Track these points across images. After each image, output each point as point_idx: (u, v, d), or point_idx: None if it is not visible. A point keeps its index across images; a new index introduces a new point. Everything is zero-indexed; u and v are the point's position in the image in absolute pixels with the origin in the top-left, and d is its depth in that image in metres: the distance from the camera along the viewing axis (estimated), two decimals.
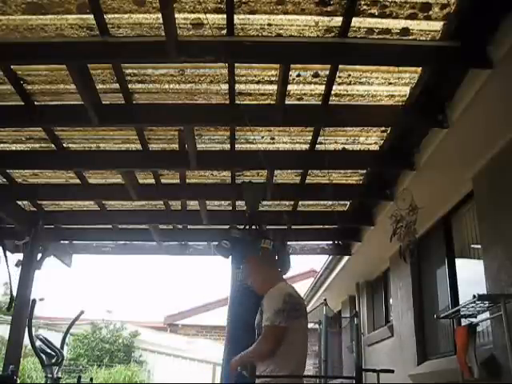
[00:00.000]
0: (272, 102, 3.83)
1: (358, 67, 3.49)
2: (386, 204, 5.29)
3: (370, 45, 3.18)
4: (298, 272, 15.68)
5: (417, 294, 6.11)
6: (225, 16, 3.01)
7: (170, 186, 5.31)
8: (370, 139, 4.41)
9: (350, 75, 3.57)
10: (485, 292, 4.03)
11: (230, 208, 5.87)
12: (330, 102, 3.80)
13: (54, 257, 6.70)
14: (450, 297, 5.17)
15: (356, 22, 3.05)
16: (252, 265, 3.22)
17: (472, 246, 4.81)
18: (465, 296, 4.49)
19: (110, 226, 6.48)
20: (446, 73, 3.53)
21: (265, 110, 3.87)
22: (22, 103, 3.79)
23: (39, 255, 6.16)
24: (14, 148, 4.55)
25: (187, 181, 5.16)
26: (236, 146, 4.50)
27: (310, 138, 4.36)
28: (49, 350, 5.09)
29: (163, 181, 5.21)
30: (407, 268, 6.24)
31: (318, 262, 9.46)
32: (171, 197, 5.58)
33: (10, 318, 5.78)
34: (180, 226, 6.57)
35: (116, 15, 3.00)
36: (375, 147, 4.50)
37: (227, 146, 4.53)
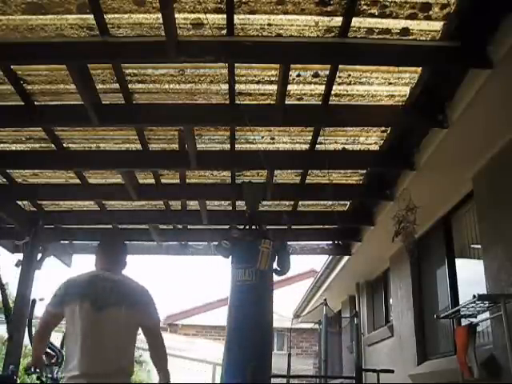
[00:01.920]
0: (272, 102, 3.83)
1: (358, 67, 3.49)
2: (386, 204, 5.29)
3: (370, 45, 3.18)
4: (298, 272, 15.70)
5: (417, 294, 6.11)
6: (225, 16, 3.01)
7: (170, 186, 5.30)
8: (370, 139, 4.41)
9: (349, 75, 3.57)
10: (485, 292, 4.03)
11: (230, 208, 5.87)
12: (329, 102, 3.80)
13: (53, 257, 6.70)
14: (450, 297, 5.17)
15: (356, 21, 3.05)
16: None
17: (472, 245, 4.81)
18: (465, 296, 4.49)
19: (109, 226, 6.48)
20: (446, 73, 3.53)
21: (265, 110, 3.87)
22: (22, 103, 3.79)
23: (39, 255, 6.16)
24: (14, 148, 4.55)
25: (187, 181, 5.16)
26: (236, 146, 4.50)
27: (310, 138, 4.36)
28: (49, 350, 5.09)
29: (163, 181, 5.21)
30: (407, 268, 6.24)
31: (318, 262, 9.47)
32: (171, 197, 5.58)
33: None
34: (180, 226, 6.57)
35: (116, 15, 3.01)
36: (375, 147, 4.50)
37: (227, 146, 4.53)
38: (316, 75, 3.58)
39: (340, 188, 5.17)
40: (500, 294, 3.62)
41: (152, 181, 5.16)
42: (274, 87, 3.66)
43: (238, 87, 3.66)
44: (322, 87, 3.67)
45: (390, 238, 4.65)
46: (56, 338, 5.63)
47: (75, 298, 2.72)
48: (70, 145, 4.52)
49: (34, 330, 5.49)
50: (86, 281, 2.80)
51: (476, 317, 4.08)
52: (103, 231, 6.31)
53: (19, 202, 5.73)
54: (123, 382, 2.74)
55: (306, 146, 4.51)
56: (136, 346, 2.90)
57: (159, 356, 3.00)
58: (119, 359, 2.71)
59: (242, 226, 4.51)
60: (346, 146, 4.51)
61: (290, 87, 3.63)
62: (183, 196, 5.51)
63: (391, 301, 7.43)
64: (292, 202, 5.76)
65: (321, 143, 4.35)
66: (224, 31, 3.12)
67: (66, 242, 6.93)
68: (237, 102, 3.74)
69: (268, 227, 4.63)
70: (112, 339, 2.69)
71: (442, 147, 4.00)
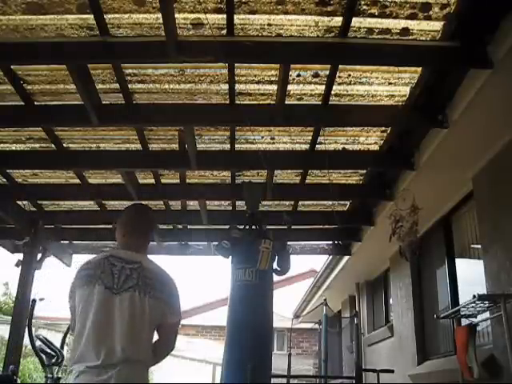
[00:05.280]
0: (272, 102, 3.83)
1: (357, 67, 3.49)
2: (385, 204, 5.29)
3: (370, 45, 3.17)
4: (298, 272, 15.71)
5: (417, 294, 6.11)
6: (225, 16, 3.01)
7: (170, 186, 5.30)
8: (370, 139, 4.41)
9: (350, 75, 3.57)
10: (485, 292, 4.03)
11: (230, 208, 5.87)
12: (330, 102, 3.80)
13: (53, 257, 6.69)
14: (450, 297, 5.17)
15: (356, 21, 3.05)
16: None
17: (472, 245, 4.82)
18: (465, 296, 4.49)
19: (109, 226, 6.47)
20: (446, 73, 3.53)
21: (265, 110, 3.87)
22: (22, 103, 3.79)
23: (39, 255, 6.15)
24: (14, 148, 4.54)
25: (187, 181, 5.16)
26: (236, 146, 4.50)
27: (310, 137, 4.36)
28: (49, 350, 5.10)
29: (163, 181, 5.21)
30: (407, 268, 6.25)
31: (318, 261, 9.47)
32: (171, 197, 5.58)
33: (10, 317, 5.76)
34: (180, 226, 6.56)
35: (116, 15, 3.00)
36: (375, 147, 4.50)
37: (227, 146, 4.53)
38: (316, 75, 3.58)
39: (340, 188, 5.17)
40: (500, 294, 3.62)
41: (152, 181, 5.16)
42: (274, 87, 3.66)
43: (238, 87, 3.66)
44: (322, 87, 3.67)
45: (388, 237, 4.65)
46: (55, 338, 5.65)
47: (84, 282, 2.29)
48: (70, 145, 4.51)
49: (33, 331, 5.50)
50: (99, 262, 2.34)
51: (476, 317, 4.09)
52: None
53: (19, 202, 5.72)
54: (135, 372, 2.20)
55: (306, 146, 4.51)
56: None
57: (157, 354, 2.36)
58: (130, 349, 2.21)
59: (242, 226, 4.51)
60: (346, 146, 4.51)
61: (290, 87, 3.63)
62: (183, 196, 5.51)
63: (391, 301, 7.43)
64: (292, 202, 5.76)
65: (321, 143, 4.36)
66: (224, 31, 3.12)
67: (66, 241, 6.92)
68: (237, 102, 3.74)
69: (268, 227, 4.62)
70: (125, 327, 2.22)
71: (442, 147, 4.00)
